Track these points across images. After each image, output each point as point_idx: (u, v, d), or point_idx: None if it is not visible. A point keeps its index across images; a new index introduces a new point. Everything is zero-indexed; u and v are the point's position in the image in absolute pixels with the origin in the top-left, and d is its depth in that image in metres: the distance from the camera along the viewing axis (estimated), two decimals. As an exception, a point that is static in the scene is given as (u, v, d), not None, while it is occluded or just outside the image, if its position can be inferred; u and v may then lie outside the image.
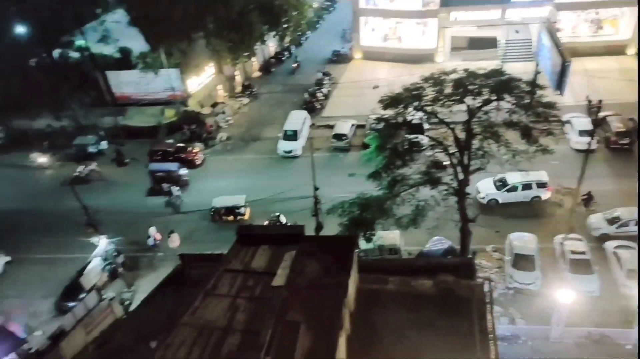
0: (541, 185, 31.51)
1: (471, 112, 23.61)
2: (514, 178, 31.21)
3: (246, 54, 47.26)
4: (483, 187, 32.34)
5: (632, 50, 44.20)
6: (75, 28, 43.98)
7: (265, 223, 31.05)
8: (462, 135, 23.97)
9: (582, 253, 27.12)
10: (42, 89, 41.16)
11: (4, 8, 41.92)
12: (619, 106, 37.26)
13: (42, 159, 40.18)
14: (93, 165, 38.87)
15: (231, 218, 32.76)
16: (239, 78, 50.72)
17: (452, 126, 24.12)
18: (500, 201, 32.02)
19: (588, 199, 30.93)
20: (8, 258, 31.93)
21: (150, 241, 31.26)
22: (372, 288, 13.89)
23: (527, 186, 31.54)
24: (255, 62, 53.44)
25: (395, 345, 12.32)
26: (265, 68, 54.43)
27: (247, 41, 45.02)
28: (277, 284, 12.78)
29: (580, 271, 26.38)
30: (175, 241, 31.12)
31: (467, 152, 23.92)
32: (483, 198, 32.15)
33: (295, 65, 53.17)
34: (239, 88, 49.85)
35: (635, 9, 42.40)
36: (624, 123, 35.54)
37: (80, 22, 43.97)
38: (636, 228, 28.45)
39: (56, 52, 44.79)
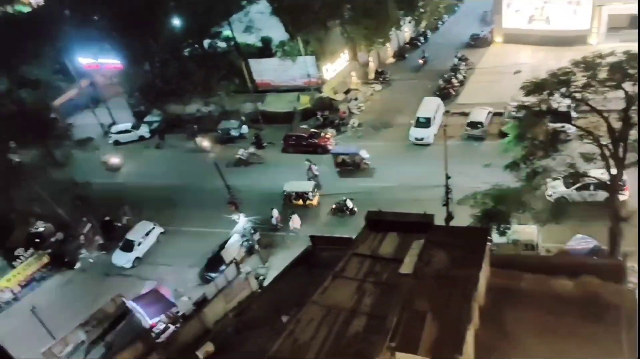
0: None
1: (630, 99, 21.17)
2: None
3: (381, 40, 47.07)
4: None
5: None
6: (223, 19, 47.09)
7: (333, 206, 33.03)
8: (617, 125, 21.65)
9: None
10: (194, 77, 44.81)
11: (165, 2, 46.15)
12: None
13: (205, 143, 43.84)
14: (252, 149, 41.75)
15: (300, 202, 34.75)
16: (372, 65, 50.73)
17: (605, 114, 21.88)
18: None
19: None
20: (162, 230, 35.62)
21: (273, 221, 33.31)
22: (505, 284, 13.24)
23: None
24: (389, 48, 52.99)
25: (527, 347, 11.63)
26: (400, 54, 53.71)
27: (382, 27, 44.78)
28: (404, 271, 12.72)
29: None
30: (295, 222, 32.60)
31: (623, 144, 21.57)
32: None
33: (422, 61, 50.58)
34: (372, 75, 49.87)
35: None
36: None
37: (227, 13, 46.99)
38: None
39: (206, 42, 48.39)
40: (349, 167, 37.52)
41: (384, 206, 16.65)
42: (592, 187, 28.01)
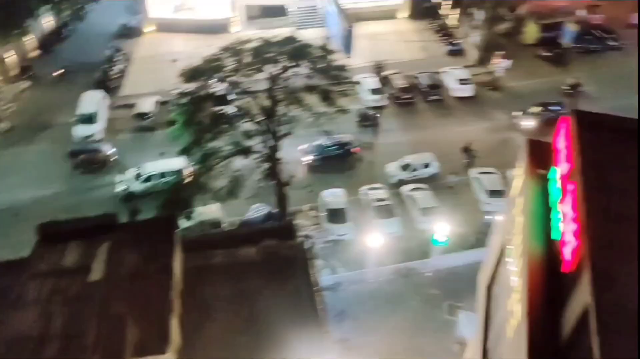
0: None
1: (272, 79, 24.26)
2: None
3: (17, 31, 41.38)
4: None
5: (403, 15, 49.37)
6: None
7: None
8: (267, 103, 24.58)
9: (384, 199, 30.33)
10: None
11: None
12: (400, 64, 41.73)
13: None
14: None
15: None
16: (13, 60, 44.35)
17: (256, 95, 24.55)
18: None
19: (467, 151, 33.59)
20: None
21: None
22: (199, 264, 13.75)
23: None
24: (32, 40, 47.10)
25: (229, 318, 12.47)
26: (45, 46, 48.34)
27: (14, 18, 39.36)
28: (93, 279, 11.89)
29: (384, 216, 29.52)
30: None
31: (274, 119, 24.67)
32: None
33: (58, 73, 43.38)
34: (16, 71, 43.67)
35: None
36: (405, 79, 39.91)
37: None
38: (425, 171, 32.66)
39: None
40: (93, 164, 33.57)
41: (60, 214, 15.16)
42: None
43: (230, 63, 23.84)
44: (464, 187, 32.17)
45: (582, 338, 8.22)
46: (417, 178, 32.40)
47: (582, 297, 8.44)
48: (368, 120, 36.25)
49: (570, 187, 9.97)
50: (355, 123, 35.33)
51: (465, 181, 32.38)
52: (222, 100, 25.26)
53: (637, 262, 8.39)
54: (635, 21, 46.27)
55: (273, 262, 14.05)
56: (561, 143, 11.22)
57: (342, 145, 33.75)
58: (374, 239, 26.76)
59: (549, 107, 35.26)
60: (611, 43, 43.67)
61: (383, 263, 27.37)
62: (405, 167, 32.88)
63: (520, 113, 35.83)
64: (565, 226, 9.69)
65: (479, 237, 27.47)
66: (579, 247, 8.93)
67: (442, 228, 26.59)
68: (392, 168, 33.18)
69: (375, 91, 36.74)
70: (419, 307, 26.21)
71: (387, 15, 49.08)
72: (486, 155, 33.27)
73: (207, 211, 27.99)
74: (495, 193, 29.31)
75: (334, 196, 30.72)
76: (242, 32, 45.77)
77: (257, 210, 29.35)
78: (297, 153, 33.54)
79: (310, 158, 33.68)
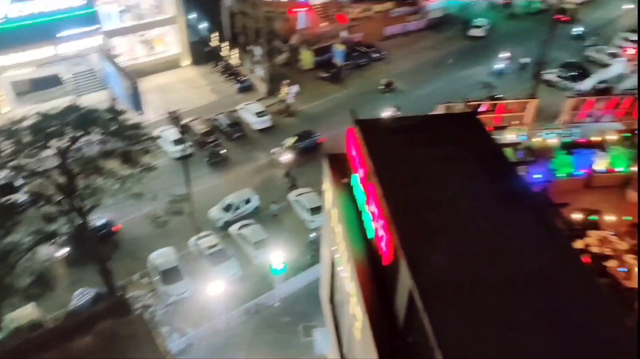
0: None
1: (62, 153, 22.46)
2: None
3: None
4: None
5: (185, 62, 49.74)
6: None
7: None
8: (62, 180, 22.64)
9: (215, 245, 29.94)
10: None
11: None
12: (196, 110, 41.89)
13: None
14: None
15: None
16: None
17: (48, 174, 22.46)
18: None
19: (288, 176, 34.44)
20: None
21: None
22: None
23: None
24: None
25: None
26: None
27: None
28: None
29: (219, 261, 29.13)
30: None
31: (75, 195, 22.81)
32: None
33: None
34: None
35: (176, 27, 47.85)
36: (205, 124, 40.10)
37: None
38: (247, 207, 33.09)
39: None
40: None
41: None
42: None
43: (6, 146, 21.45)
44: (287, 212, 33.38)
45: (415, 319, 9.16)
46: (242, 216, 32.69)
47: (405, 282, 9.43)
48: (216, 157, 37.18)
49: (370, 188, 11.11)
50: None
51: (287, 206, 33.64)
52: (7, 188, 22.58)
53: (442, 241, 9.68)
54: (389, 33, 53.40)
55: (114, 344, 12.98)
56: (353, 152, 12.45)
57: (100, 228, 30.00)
58: (215, 287, 26.23)
59: (305, 138, 37.82)
60: (374, 55, 49.73)
61: (231, 308, 26.94)
62: (227, 208, 32.91)
63: (278, 148, 37.32)
64: (376, 224, 10.75)
65: (312, 255, 28.75)
66: (390, 239, 9.97)
67: (277, 256, 27.19)
68: (215, 212, 32.96)
69: (177, 141, 36.20)
70: (276, 339, 26.32)
71: (170, 65, 48.94)
72: (301, 175, 35.07)
73: (22, 314, 24.57)
74: (315, 210, 30.94)
75: (163, 256, 29.35)
76: (14, 111, 41.57)
77: (82, 295, 26.67)
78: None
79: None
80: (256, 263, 29.76)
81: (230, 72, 47.88)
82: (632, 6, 55.74)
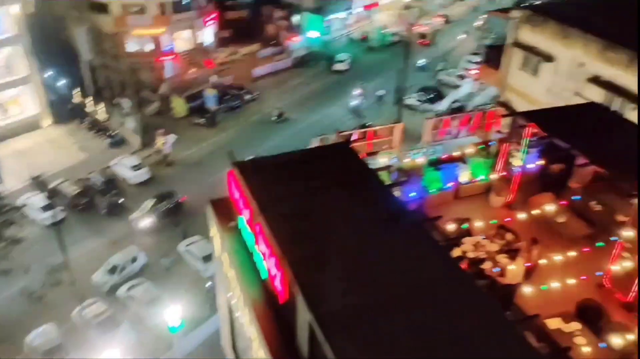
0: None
1: None
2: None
3: None
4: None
5: (46, 122, 46.58)
6: None
7: None
8: None
9: (103, 312, 27.83)
10: None
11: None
12: (65, 171, 39.20)
13: None
14: None
15: None
16: None
17: None
18: None
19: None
20: None
21: None
22: None
23: None
24: None
25: None
26: None
27: None
28: None
29: (110, 329, 27.10)
30: None
31: None
32: None
33: None
34: None
35: (31, 86, 44.82)
36: (77, 184, 37.54)
37: None
38: (134, 266, 31.32)
39: None
40: None
41: None
42: None
43: None
44: (180, 264, 32.12)
45: (318, 352, 9.23)
46: (130, 276, 30.86)
47: (303, 317, 9.51)
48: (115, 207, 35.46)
49: (257, 228, 11.16)
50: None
51: (179, 258, 32.40)
52: None
53: (334, 269, 9.92)
54: (259, 74, 54.55)
55: None
56: (236, 194, 12.46)
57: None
58: (110, 357, 24.30)
59: (164, 199, 35.92)
60: (247, 96, 50.43)
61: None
62: (112, 270, 30.86)
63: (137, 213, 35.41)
64: (268, 263, 10.79)
65: (211, 304, 27.80)
66: (284, 276, 10.05)
67: (174, 312, 25.93)
68: (99, 277, 30.76)
69: (46, 207, 33.51)
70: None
71: (30, 127, 45.55)
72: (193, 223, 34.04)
73: None
74: (208, 258, 30.13)
75: (42, 335, 26.65)
76: None
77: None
78: None
79: None
80: (151, 324, 28.10)
81: (99, 128, 45.71)
82: (464, 36, 62.53)
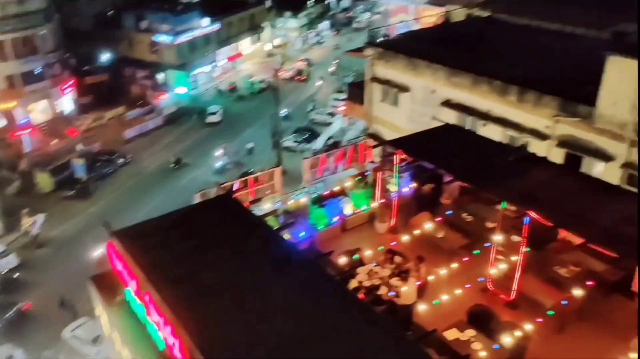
0: None
1: None
2: None
3: None
4: None
5: None
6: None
7: None
8: None
9: None
10: None
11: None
12: None
13: None
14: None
15: None
16: None
17: None
18: None
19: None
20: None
21: None
22: None
23: None
24: None
25: None
26: None
27: None
28: None
29: None
30: None
31: None
32: None
33: None
34: None
35: None
36: None
37: None
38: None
39: None
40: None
41: None
42: None
43: None
44: (69, 352, 29.12)
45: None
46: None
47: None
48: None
49: (147, 298, 10.57)
50: None
51: (62, 346, 29.39)
52: None
53: (234, 325, 9.64)
54: (130, 136, 52.64)
55: None
56: (119, 266, 11.76)
57: None
58: None
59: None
60: (119, 161, 48.20)
61: None
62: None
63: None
64: (163, 332, 10.21)
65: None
66: (182, 343, 9.57)
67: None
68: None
69: None
70: None
71: None
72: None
73: None
74: (97, 340, 27.74)
75: None
76: None
77: None
78: None
79: None
80: None
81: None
82: (321, 82, 64.47)
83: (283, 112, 54.95)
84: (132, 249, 11.35)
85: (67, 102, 53.40)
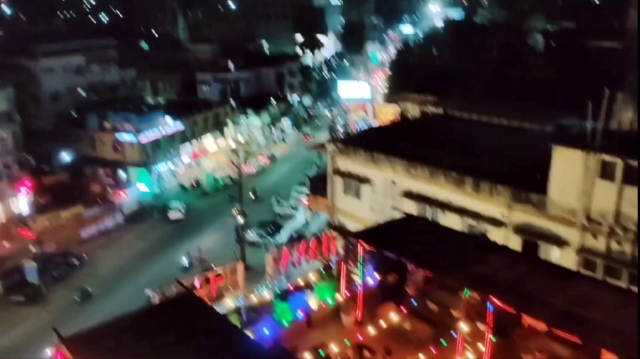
0: None
1: None
2: None
3: None
4: None
5: None
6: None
7: None
8: None
9: None
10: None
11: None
12: None
13: None
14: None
15: None
16: None
17: None
18: None
19: None
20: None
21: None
22: None
23: None
24: None
25: None
26: None
27: None
28: None
29: None
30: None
31: None
32: None
33: None
34: None
35: None
36: None
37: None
38: None
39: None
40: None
41: None
42: None
43: None
44: None
45: None
46: None
47: None
48: None
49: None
50: None
51: None
52: None
53: None
54: (87, 236, 51.18)
55: None
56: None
57: None
58: None
59: None
60: (72, 261, 46.27)
61: None
62: None
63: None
64: None
65: None
66: None
67: None
68: None
69: None
70: None
71: None
72: None
73: None
74: None
75: None
76: None
77: None
78: None
79: None
80: None
81: None
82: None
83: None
84: (85, 355, 10.70)
85: (22, 203, 52.11)
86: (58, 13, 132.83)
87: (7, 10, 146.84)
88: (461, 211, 24.30)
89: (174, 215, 55.51)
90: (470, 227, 23.86)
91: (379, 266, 16.64)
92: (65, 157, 61.16)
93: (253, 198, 57.06)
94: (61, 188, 56.85)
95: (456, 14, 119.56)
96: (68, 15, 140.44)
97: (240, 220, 42.74)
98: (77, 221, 53.54)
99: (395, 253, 15.05)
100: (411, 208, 25.38)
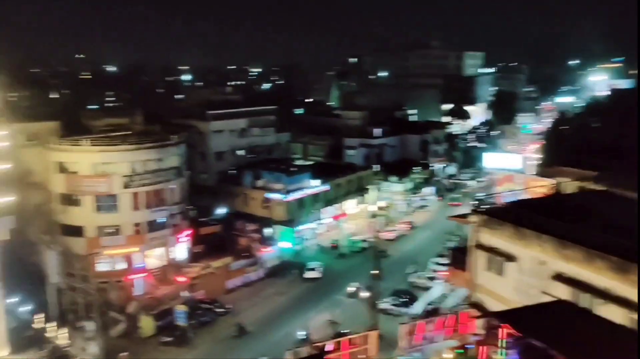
0: None
1: None
2: None
3: None
4: None
5: (4, 352, 43.62)
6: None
7: None
8: None
9: None
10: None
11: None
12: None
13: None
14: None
15: None
16: None
17: None
18: None
19: None
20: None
21: None
22: None
23: None
24: None
25: None
26: None
27: None
28: None
29: None
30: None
31: None
32: None
33: None
34: None
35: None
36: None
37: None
38: None
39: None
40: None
41: None
42: None
43: None
44: None
45: None
46: None
47: None
48: None
49: None
50: None
51: None
52: None
53: None
54: (232, 286, 54.33)
55: None
56: None
57: None
58: None
59: None
60: (218, 310, 49.30)
61: None
62: None
63: None
64: None
65: None
66: None
67: None
68: None
69: None
70: None
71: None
72: None
73: None
74: None
75: None
76: None
77: None
78: None
79: None
80: None
81: (58, 356, 42.78)
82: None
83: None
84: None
85: (181, 250, 57.13)
86: (228, 83, 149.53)
87: (188, 77, 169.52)
88: (623, 302, 21.37)
89: (310, 274, 56.80)
90: (634, 321, 20.82)
91: (523, 353, 15.16)
92: (221, 210, 66.40)
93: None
94: (214, 239, 61.51)
95: (625, 83, 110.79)
96: (237, 83, 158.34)
97: (366, 293, 42.13)
98: (225, 272, 57.19)
99: (543, 342, 13.62)
100: (562, 292, 22.95)
